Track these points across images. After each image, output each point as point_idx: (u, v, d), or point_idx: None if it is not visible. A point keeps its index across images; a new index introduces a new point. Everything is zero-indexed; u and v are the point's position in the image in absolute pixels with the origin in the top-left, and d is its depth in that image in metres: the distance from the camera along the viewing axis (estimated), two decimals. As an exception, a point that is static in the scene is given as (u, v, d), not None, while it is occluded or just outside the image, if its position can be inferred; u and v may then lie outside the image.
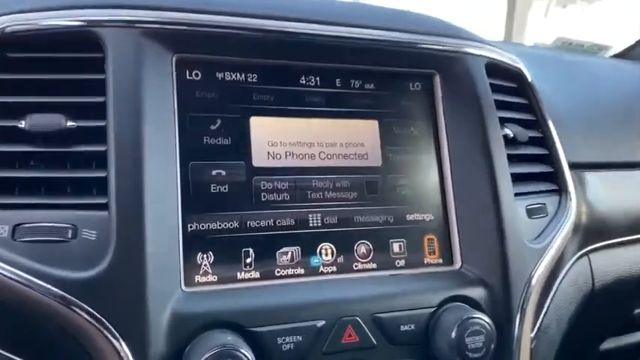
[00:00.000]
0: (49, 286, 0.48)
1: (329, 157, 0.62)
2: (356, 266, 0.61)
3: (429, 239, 0.65)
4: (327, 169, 0.62)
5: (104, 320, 0.48)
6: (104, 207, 0.51)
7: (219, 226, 0.56)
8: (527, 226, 0.68)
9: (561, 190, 0.75)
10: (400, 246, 0.63)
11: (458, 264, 0.65)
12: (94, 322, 0.48)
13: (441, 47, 0.67)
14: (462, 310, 0.59)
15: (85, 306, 0.48)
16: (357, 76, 0.65)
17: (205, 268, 0.55)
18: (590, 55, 1.40)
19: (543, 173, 0.75)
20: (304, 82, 0.63)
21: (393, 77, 0.67)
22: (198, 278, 0.54)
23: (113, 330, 0.48)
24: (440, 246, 0.65)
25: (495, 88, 0.70)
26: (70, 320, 0.48)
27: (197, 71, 0.58)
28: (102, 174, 0.52)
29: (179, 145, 0.55)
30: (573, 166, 0.79)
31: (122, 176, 0.51)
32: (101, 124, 0.53)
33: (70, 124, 0.52)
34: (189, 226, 0.55)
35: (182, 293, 0.52)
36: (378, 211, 0.63)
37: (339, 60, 0.64)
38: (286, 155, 0.60)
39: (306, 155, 0.61)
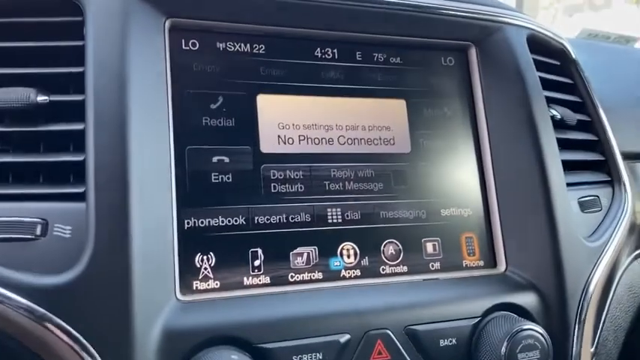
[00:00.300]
0: (11, 294, 0.42)
1: (349, 142, 0.56)
2: (383, 270, 0.54)
3: (467, 238, 0.58)
4: (348, 156, 0.56)
5: (79, 337, 0.42)
6: (81, 197, 0.45)
7: (222, 222, 0.50)
8: (580, 222, 0.60)
9: (614, 181, 0.67)
10: (434, 246, 0.57)
11: (502, 266, 0.58)
12: (67, 339, 0.42)
13: (477, 15, 0.61)
14: (511, 321, 0.52)
15: (55, 319, 0.42)
16: (381, 49, 0.59)
17: (205, 272, 0.49)
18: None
19: (594, 162, 0.67)
20: (320, 54, 0.57)
21: (423, 50, 0.61)
22: (196, 284, 0.48)
23: (90, 349, 0.42)
24: (481, 246, 0.58)
25: (537, 65, 0.63)
26: (37, 336, 0.42)
27: (194, 40, 0.53)
28: (79, 157, 0.46)
29: (173, 126, 0.50)
30: (624, 155, 0.70)
31: (103, 160, 0.45)
32: (79, 98, 0.47)
33: (41, 98, 0.48)
34: (185, 222, 0.49)
35: (177, 303, 0.46)
36: (408, 205, 0.57)
37: (360, 29, 0.58)
38: (300, 140, 0.54)
39: (323, 140, 0.55)
